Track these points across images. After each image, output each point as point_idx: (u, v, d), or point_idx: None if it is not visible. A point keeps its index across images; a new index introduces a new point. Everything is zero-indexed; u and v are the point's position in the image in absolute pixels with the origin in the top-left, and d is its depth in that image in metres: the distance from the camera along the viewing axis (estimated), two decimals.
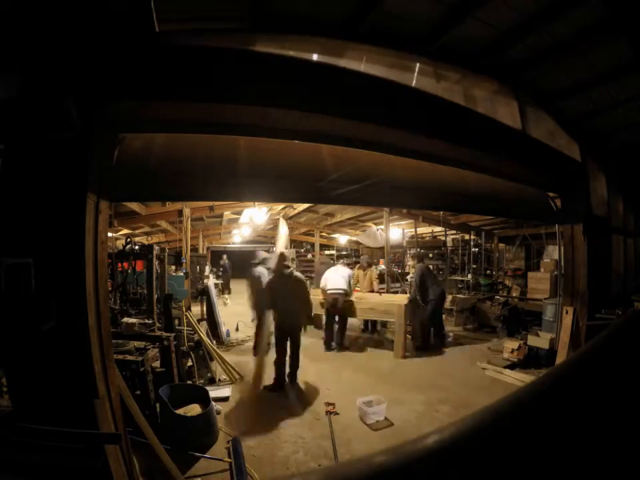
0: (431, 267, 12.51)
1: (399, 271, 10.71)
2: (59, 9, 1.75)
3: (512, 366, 4.91)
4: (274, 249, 21.68)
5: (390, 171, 3.55)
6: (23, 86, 1.80)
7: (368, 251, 16.50)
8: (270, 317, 5.27)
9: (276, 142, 2.94)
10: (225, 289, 13.09)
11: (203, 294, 6.62)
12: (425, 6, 2.49)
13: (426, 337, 5.88)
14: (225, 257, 14.83)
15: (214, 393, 3.77)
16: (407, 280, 8.95)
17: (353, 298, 6.04)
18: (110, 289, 3.90)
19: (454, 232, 11.05)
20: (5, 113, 1.80)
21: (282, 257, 4.67)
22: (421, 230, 11.35)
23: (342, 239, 15.12)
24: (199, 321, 5.56)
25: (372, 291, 6.92)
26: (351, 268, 7.26)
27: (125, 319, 3.61)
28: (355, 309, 5.96)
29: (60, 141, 1.85)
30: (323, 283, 6.03)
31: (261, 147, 3.06)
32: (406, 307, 5.57)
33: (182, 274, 7.01)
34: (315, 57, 2.55)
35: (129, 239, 4.51)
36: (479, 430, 0.28)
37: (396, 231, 10.81)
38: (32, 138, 1.85)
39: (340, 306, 5.81)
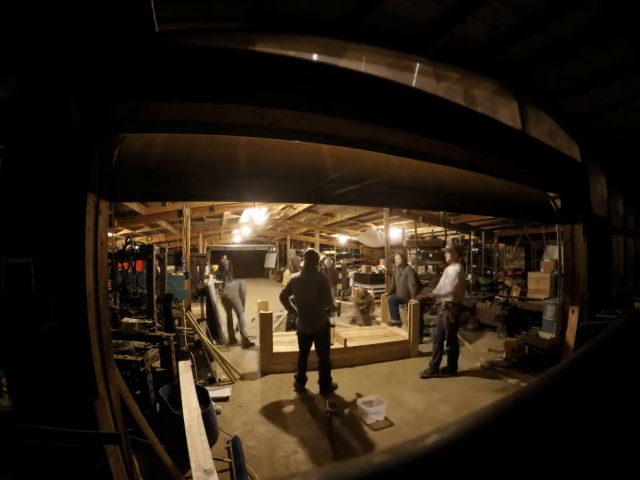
0: (430, 267, 12.60)
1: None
2: (59, 10, 1.75)
3: (512, 366, 4.92)
4: (273, 248, 21.57)
5: (390, 170, 3.55)
6: (23, 86, 1.80)
7: (368, 251, 16.49)
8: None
9: (276, 142, 2.94)
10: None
11: (203, 294, 6.63)
12: (425, 6, 2.49)
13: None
14: (224, 257, 14.87)
15: (214, 393, 3.78)
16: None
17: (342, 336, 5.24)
18: (110, 289, 3.90)
19: (454, 232, 11.05)
20: (5, 113, 1.80)
21: (310, 254, 4.41)
22: (420, 230, 11.34)
23: (342, 238, 15.13)
24: (199, 321, 5.57)
25: None
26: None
27: (125, 319, 3.61)
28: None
29: (60, 141, 1.85)
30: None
31: (261, 146, 3.06)
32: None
33: (182, 274, 7.01)
34: (315, 57, 2.55)
35: (129, 239, 4.51)
36: (478, 430, 0.28)
37: (396, 231, 10.81)
38: (32, 138, 1.85)
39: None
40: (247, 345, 6.02)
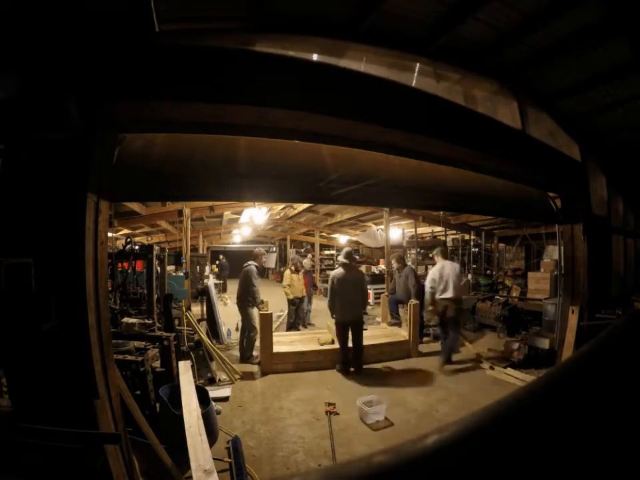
0: (430, 267, 12.58)
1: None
2: (60, 11, 1.75)
3: (512, 366, 4.92)
4: (273, 248, 21.59)
5: (390, 170, 3.55)
6: (23, 86, 1.80)
7: (368, 251, 16.50)
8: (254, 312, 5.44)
9: (276, 142, 2.94)
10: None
11: (203, 294, 6.62)
12: (425, 6, 2.49)
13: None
14: (221, 256, 14.91)
15: (214, 393, 3.78)
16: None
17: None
18: (110, 288, 3.90)
19: (454, 232, 11.05)
20: (5, 113, 1.80)
21: (349, 253, 4.98)
22: (420, 230, 11.35)
23: (342, 239, 15.13)
24: (199, 321, 5.57)
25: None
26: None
27: (125, 319, 3.61)
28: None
29: (60, 141, 1.85)
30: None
31: (261, 146, 3.06)
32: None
33: (182, 274, 7.01)
34: (315, 57, 2.55)
35: (129, 239, 4.51)
36: (478, 430, 0.28)
37: (396, 231, 10.81)
38: (32, 138, 1.85)
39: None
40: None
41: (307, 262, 8.10)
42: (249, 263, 5.63)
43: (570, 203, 4.29)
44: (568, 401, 0.29)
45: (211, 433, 3.00)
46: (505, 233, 10.23)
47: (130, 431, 2.40)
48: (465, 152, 2.98)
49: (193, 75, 2.08)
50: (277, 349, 4.90)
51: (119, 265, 4.37)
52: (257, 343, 5.32)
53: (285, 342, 5.26)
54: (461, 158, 3.17)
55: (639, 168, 5.01)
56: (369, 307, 9.79)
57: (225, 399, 3.89)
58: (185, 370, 3.25)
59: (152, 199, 5.88)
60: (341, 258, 5.11)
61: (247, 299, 5.41)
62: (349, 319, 4.77)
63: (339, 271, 4.97)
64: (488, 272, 10.04)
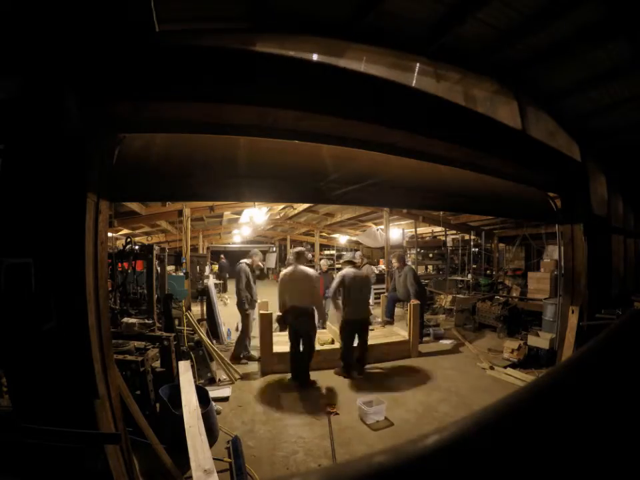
0: (430, 267, 12.60)
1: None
2: (60, 11, 1.75)
3: (512, 366, 4.91)
4: (273, 248, 21.49)
5: (390, 170, 3.55)
6: (23, 86, 1.80)
7: (368, 251, 16.53)
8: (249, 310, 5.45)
9: (276, 142, 2.94)
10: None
11: (203, 294, 6.62)
12: (425, 6, 2.49)
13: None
14: (222, 256, 14.90)
15: (214, 393, 3.78)
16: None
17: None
18: (110, 288, 3.89)
19: (454, 232, 11.06)
20: (5, 113, 1.80)
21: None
22: (421, 230, 11.35)
23: (342, 238, 15.14)
24: (199, 321, 5.56)
25: None
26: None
27: (125, 319, 3.61)
28: None
29: (60, 141, 1.85)
30: None
31: (261, 146, 3.06)
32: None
33: (182, 274, 7.01)
34: (314, 56, 2.55)
35: (129, 239, 4.51)
36: (479, 430, 0.28)
37: (396, 231, 10.82)
38: (32, 138, 1.85)
39: None
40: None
41: (324, 262, 7.81)
42: (241, 261, 5.59)
43: (570, 202, 4.29)
44: (568, 401, 0.29)
45: (211, 433, 3.00)
46: (505, 233, 10.24)
47: (130, 431, 2.40)
48: (465, 152, 2.98)
49: (192, 74, 2.08)
50: (276, 349, 4.89)
51: (119, 264, 4.37)
52: (253, 343, 5.36)
53: (285, 342, 5.25)
54: (461, 158, 3.17)
55: (639, 168, 5.01)
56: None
57: (225, 399, 3.89)
58: (184, 370, 3.25)
59: (152, 199, 5.87)
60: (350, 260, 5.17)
61: (240, 299, 5.44)
62: (361, 316, 4.79)
63: (349, 270, 4.88)
64: (488, 272, 10.04)
